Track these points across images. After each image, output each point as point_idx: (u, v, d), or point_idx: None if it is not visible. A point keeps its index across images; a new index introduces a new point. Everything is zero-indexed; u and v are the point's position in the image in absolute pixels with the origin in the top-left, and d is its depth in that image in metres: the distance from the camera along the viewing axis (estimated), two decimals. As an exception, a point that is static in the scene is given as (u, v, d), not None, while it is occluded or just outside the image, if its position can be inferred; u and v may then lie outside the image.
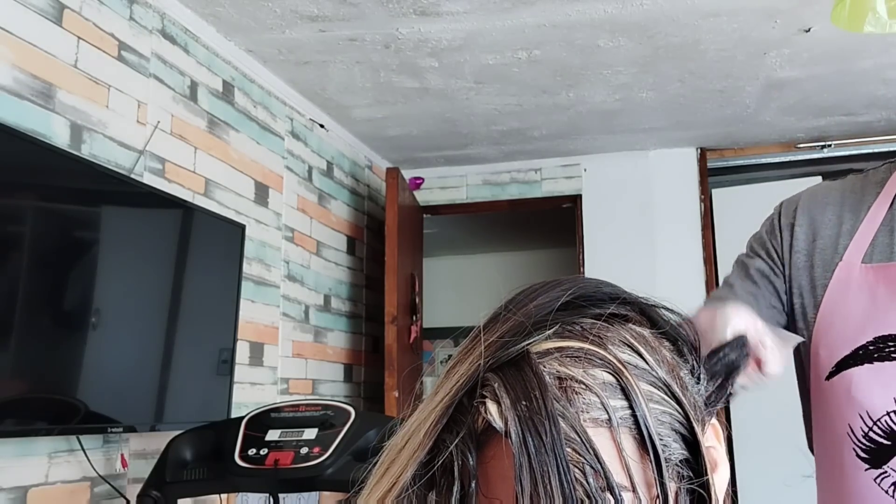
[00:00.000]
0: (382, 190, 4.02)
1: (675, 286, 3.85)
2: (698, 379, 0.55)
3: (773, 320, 1.04)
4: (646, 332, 0.52)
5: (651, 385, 0.49)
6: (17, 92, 1.93)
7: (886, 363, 0.94)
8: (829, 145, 3.93)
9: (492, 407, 0.45)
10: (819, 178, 3.98)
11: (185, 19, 2.60)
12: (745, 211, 4.31)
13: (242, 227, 2.65)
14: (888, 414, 0.94)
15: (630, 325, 0.52)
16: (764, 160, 4.10)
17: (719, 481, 0.54)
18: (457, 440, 0.46)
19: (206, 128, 2.71)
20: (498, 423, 0.45)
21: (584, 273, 4.09)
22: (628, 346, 0.50)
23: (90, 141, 2.15)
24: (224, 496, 2.45)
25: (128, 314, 2.12)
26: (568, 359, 0.48)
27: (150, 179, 2.37)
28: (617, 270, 3.96)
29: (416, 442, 0.47)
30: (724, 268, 4.00)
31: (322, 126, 3.56)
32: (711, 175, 4.13)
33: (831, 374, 0.98)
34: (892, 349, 0.94)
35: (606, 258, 4.07)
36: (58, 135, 2.04)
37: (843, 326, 0.98)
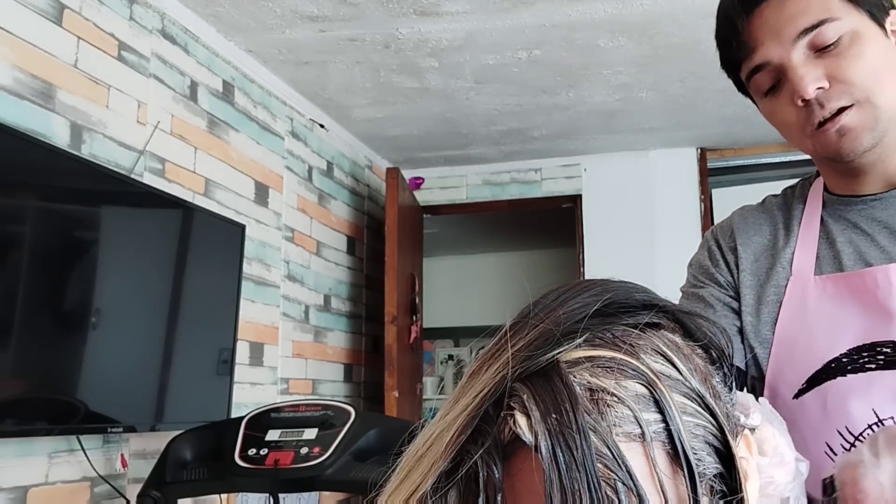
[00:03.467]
0: (382, 190, 4.02)
1: (676, 286, 3.83)
2: (730, 387, 0.54)
3: (737, 350, 1.01)
4: (678, 339, 0.51)
5: (685, 396, 0.48)
6: (17, 92, 1.93)
7: (861, 374, 0.91)
8: (829, 145, 3.92)
9: (521, 420, 0.44)
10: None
11: (185, 19, 2.60)
12: (745, 211, 4.32)
13: (242, 227, 2.65)
14: (870, 427, 0.91)
15: (662, 331, 0.50)
16: (764, 160, 4.10)
17: (751, 492, 0.53)
18: (481, 451, 0.45)
19: (206, 128, 2.71)
20: (528, 437, 0.43)
21: (583, 274, 4.09)
22: (661, 355, 0.48)
23: (90, 141, 2.15)
24: (224, 496, 2.45)
25: (128, 314, 2.12)
26: (599, 369, 0.46)
27: (150, 179, 2.37)
28: (617, 270, 3.91)
29: (439, 450, 0.46)
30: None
31: (322, 126, 3.56)
32: (711, 175, 4.13)
33: (801, 392, 0.94)
34: (867, 359, 0.91)
35: (606, 258, 4.07)
36: (58, 135, 2.04)
37: (811, 341, 0.95)
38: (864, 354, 0.92)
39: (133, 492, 2.05)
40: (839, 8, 0.91)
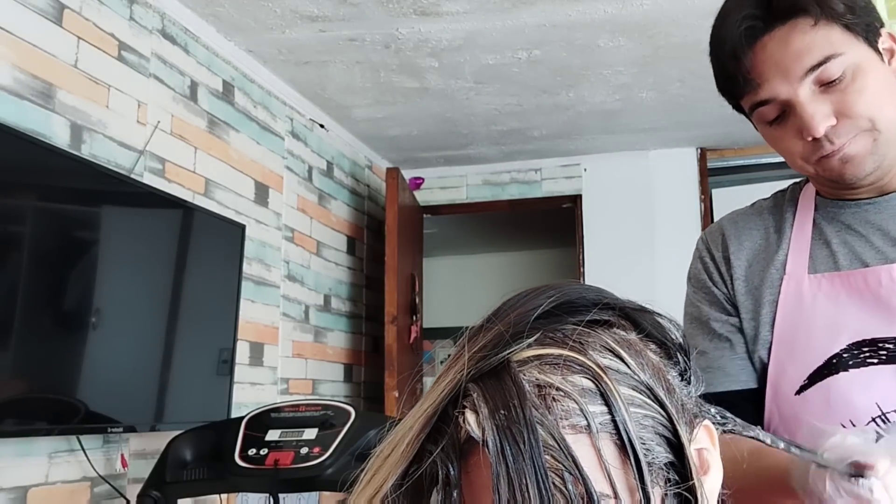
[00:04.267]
0: (382, 190, 4.02)
1: (675, 286, 3.83)
2: (688, 381, 0.55)
3: (748, 371, 1.03)
4: (631, 336, 0.52)
5: (632, 389, 0.49)
6: (17, 92, 1.93)
7: (863, 369, 0.93)
8: (829, 145, 3.92)
9: (470, 417, 0.46)
10: (819, 178, 3.98)
11: (185, 19, 2.60)
12: (745, 211, 4.32)
13: (242, 227, 2.65)
14: (873, 420, 0.93)
15: (614, 329, 0.52)
16: (764, 160, 4.09)
17: (711, 483, 0.54)
18: (437, 450, 0.47)
19: (206, 128, 2.71)
20: (476, 433, 0.45)
21: (583, 274, 4.09)
22: (610, 350, 0.50)
23: (90, 141, 2.15)
24: (224, 496, 2.45)
25: (128, 314, 2.12)
26: (547, 366, 0.48)
27: (150, 179, 2.37)
28: (617, 270, 3.96)
29: (400, 451, 0.48)
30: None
31: (322, 126, 3.56)
32: (711, 175, 4.13)
33: (803, 388, 0.96)
34: (868, 354, 0.93)
35: (606, 258, 4.07)
36: (58, 135, 2.04)
37: (809, 338, 0.96)
38: (865, 350, 0.93)
39: (133, 492, 2.05)
40: (840, 41, 0.92)
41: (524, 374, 0.47)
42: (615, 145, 4.08)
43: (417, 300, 4.04)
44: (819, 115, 0.92)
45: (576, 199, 4.21)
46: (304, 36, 2.78)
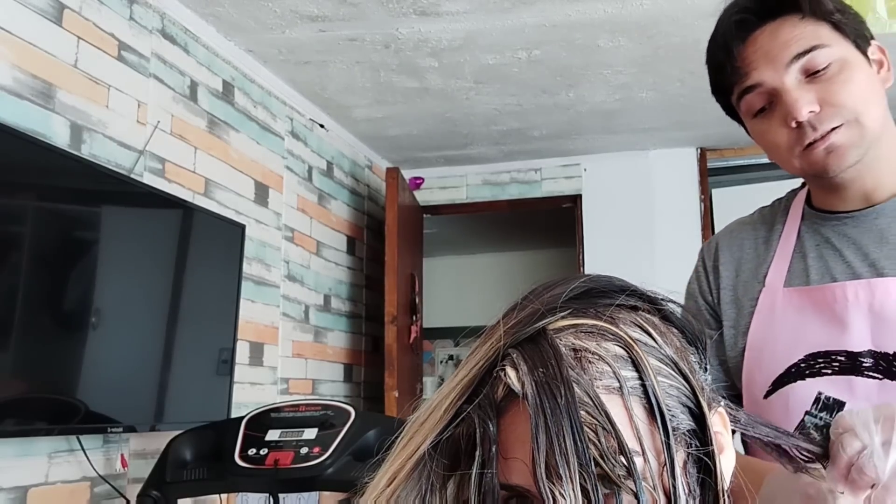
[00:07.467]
0: (382, 190, 4.02)
1: (675, 286, 3.82)
2: (705, 369, 0.58)
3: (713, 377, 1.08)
4: (655, 319, 0.56)
5: (659, 361, 0.52)
6: (17, 92, 1.93)
7: (818, 378, 0.99)
8: (829, 145, 3.93)
9: (511, 372, 0.49)
10: (819, 178, 3.98)
11: (185, 19, 2.60)
12: (744, 211, 4.32)
13: (242, 227, 2.65)
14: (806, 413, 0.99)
15: (640, 312, 0.56)
16: (764, 160, 4.07)
17: (726, 462, 0.57)
18: (471, 407, 0.49)
19: (206, 128, 2.71)
20: (516, 386, 0.48)
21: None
22: (639, 326, 0.54)
23: (90, 141, 2.15)
24: (224, 496, 2.45)
25: (128, 314, 2.12)
26: (582, 334, 0.51)
27: (150, 179, 2.37)
28: (617, 270, 3.89)
29: (438, 415, 0.51)
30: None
31: (322, 126, 3.56)
32: (711, 175, 4.13)
33: (769, 393, 1.02)
34: (822, 365, 0.98)
35: (606, 258, 4.07)
36: (58, 135, 2.04)
37: (775, 347, 1.02)
38: (820, 361, 0.99)
39: (133, 492, 2.05)
40: (829, 36, 0.96)
41: (560, 340, 0.50)
42: (615, 145, 4.08)
43: (417, 300, 4.04)
44: (803, 100, 0.95)
45: (576, 199, 4.21)
46: (304, 36, 2.78)
